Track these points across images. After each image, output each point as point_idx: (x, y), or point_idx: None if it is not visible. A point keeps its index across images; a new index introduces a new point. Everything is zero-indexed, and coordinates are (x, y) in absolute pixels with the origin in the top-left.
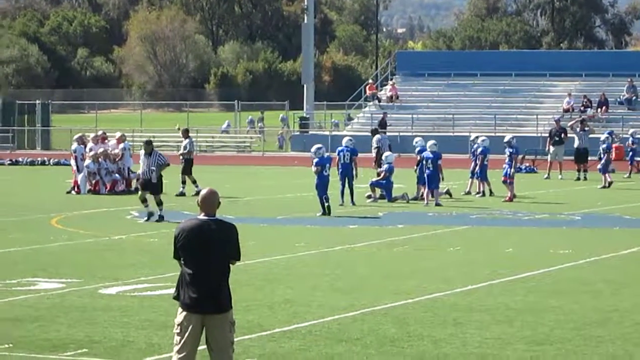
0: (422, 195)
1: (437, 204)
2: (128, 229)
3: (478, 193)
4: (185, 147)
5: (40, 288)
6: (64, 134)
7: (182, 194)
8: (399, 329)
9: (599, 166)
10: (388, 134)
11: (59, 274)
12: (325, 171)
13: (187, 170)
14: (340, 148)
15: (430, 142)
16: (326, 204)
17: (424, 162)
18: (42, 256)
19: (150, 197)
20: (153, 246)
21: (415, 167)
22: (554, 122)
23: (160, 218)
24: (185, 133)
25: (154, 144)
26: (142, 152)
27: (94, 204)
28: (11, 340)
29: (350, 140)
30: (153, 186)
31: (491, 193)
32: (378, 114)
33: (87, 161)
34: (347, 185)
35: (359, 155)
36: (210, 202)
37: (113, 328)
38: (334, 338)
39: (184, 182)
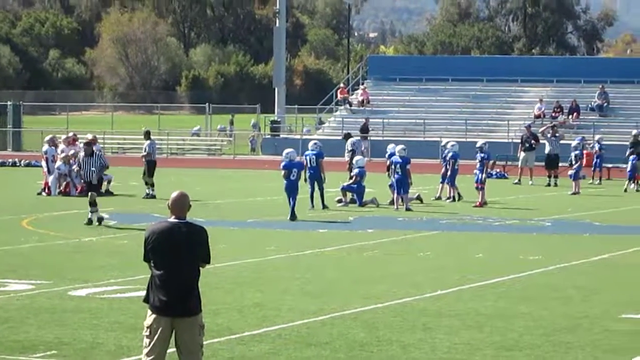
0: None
1: (407, 209)
2: (98, 231)
3: (448, 198)
4: (145, 149)
5: (10, 289)
6: (35, 136)
7: (152, 197)
8: (368, 334)
9: (570, 172)
10: (359, 138)
11: (28, 276)
12: (293, 175)
13: (149, 172)
14: (306, 152)
15: (399, 147)
16: (291, 208)
17: (393, 166)
18: (12, 257)
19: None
20: (123, 248)
21: (387, 171)
22: (525, 128)
23: (99, 220)
24: (147, 135)
25: (125, 146)
26: (82, 153)
27: (64, 205)
28: None
29: (316, 143)
30: (93, 187)
31: (460, 198)
32: (349, 118)
33: (58, 163)
34: (317, 188)
35: (328, 159)
36: (180, 204)
37: (83, 330)
38: (304, 342)
39: (152, 185)
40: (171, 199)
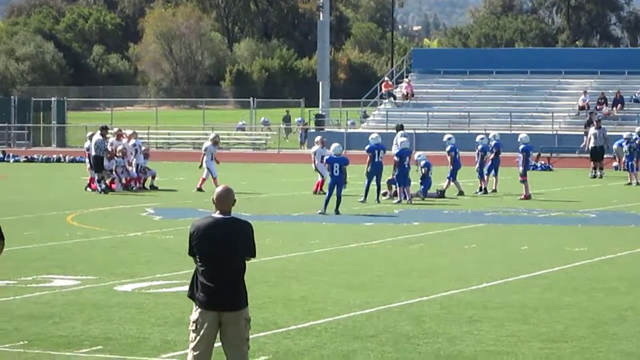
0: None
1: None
2: (143, 226)
3: (494, 190)
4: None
5: (55, 285)
6: (79, 131)
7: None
8: (414, 327)
9: (615, 164)
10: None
11: (74, 271)
12: (336, 172)
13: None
14: (369, 146)
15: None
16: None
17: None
18: (57, 253)
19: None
20: (168, 243)
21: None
22: (595, 122)
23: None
24: (103, 131)
25: (170, 141)
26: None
27: (109, 201)
28: (26, 337)
29: (377, 137)
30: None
31: (461, 193)
32: (394, 111)
33: None
34: (374, 182)
35: None
36: (225, 199)
37: (128, 325)
38: (350, 335)
39: (103, 179)
40: (215, 194)
